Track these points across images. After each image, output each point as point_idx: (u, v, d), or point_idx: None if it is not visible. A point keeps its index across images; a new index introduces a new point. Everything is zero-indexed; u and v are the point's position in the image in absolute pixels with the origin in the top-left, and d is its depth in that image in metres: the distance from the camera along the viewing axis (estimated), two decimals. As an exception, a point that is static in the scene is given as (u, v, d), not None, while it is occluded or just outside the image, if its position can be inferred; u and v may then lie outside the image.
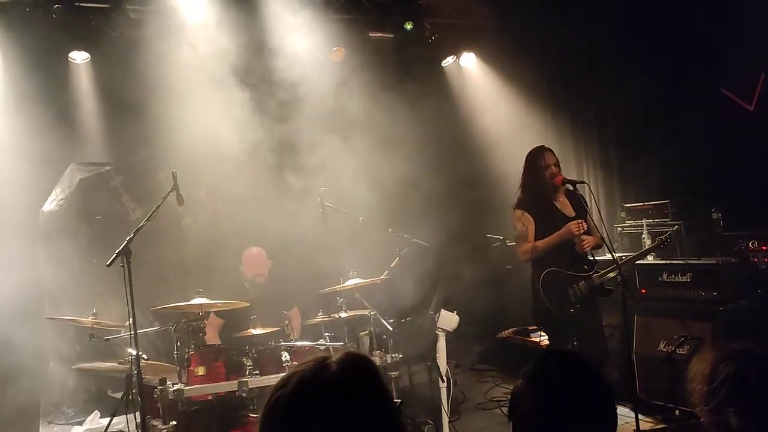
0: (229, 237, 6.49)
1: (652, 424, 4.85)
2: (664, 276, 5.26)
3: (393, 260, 5.09)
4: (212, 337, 5.09)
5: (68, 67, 6.11)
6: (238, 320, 4.75)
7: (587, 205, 4.59)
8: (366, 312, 4.77)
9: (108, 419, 4.29)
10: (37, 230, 5.83)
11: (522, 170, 4.67)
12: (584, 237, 4.36)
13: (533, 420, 1.49)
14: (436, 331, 5.01)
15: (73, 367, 4.92)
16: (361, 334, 5.25)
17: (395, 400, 1.27)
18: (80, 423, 5.17)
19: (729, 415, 1.67)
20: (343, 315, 4.68)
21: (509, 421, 1.58)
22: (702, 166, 5.63)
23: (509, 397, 1.62)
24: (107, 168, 6.23)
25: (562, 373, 1.50)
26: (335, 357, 1.24)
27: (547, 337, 5.05)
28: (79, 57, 6.06)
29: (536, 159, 4.56)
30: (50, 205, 5.92)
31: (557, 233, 4.38)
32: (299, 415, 1.16)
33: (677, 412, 4.86)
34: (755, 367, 1.68)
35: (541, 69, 7.27)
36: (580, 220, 4.39)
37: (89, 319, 4.26)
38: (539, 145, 4.68)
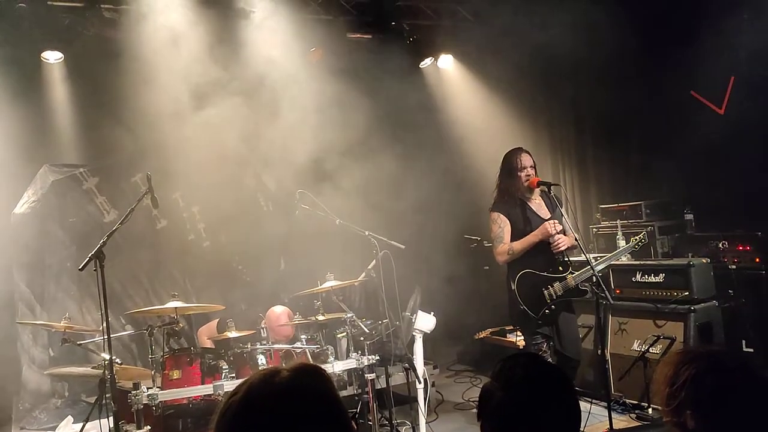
0: (204, 239, 6.45)
1: (626, 423, 4.91)
2: (638, 276, 5.34)
3: (370, 262, 5.09)
4: (207, 342, 5.07)
5: (41, 66, 6.02)
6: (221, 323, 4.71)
7: (561, 206, 4.63)
8: (343, 314, 4.77)
9: (81, 424, 4.23)
10: (9, 233, 5.73)
11: (498, 172, 4.70)
12: (559, 236, 4.40)
13: (502, 412, 1.59)
14: (413, 333, 5.04)
15: (45, 372, 4.85)
16: (338, 336, 5.25)
17: (349, 411, 1.28)
18: (53, 429, 5.08)
19: (686, 417, 1.70)
20: (320, 317, 4.67)
21: (478, 419, 1.66)
22: (675, 168, 5.72)
23: (480, 395, 1.70)
24: (81, 170, 6.15)
25: (525, 370, 1.63)
26: (287, 366, 1.25)
27: (523, 337, 5.08)
28: (52, 57, 5.97)
29: (512, 160, 4.59)
30: (21, 207, 5.83)
31: (533, 233, 4.42)
32: (248, 424, 1.16)
33: (650, 410, 4.95)
34: (715, 370, 1.71)
35: (518, 71, 7.31)
36: (554, 221, 4.44)
37: (62, 324, 4.21)
38: (516, 146, 4.72)
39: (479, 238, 7.45)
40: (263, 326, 4.44)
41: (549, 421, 1.56)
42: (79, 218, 6.04)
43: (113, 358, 3.74)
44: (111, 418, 3.68)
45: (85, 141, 6.20)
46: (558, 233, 4.40)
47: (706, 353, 1.77)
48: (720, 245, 5.25)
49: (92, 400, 4.49)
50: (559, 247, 4.43)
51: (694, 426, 1.69)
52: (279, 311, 5.08)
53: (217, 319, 5.13)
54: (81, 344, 4.32)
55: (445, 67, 7.71)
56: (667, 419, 1.78)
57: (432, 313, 5.10)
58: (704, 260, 5.12)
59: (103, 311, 3.61)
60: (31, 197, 5.86)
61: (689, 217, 5.65)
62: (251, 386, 1.21)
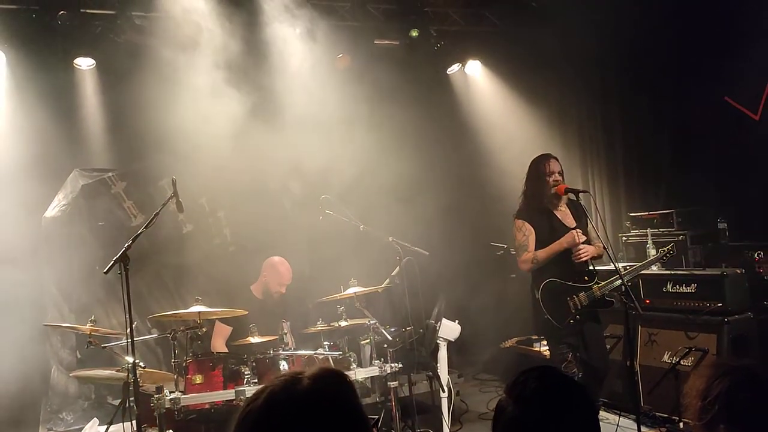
0: (230, 244, 6.48)
1: (657, 436, 4.79)
2: (669, 286, 5.21)
3: (394, 269, 5.06)
4: (220, 345, 5.06)
5: (74, 73, 6.14)
6: (244, 327, 4.70)
7: (588, 216, 4.54)
8: (366, 321, 4.74)
9: (105, 427, 4.27)
10: (40, 236, 5.83)
11: (525, 178, 4.63)
12: (582, 247, 4.31)
13: (514, 427, 1.54)
14: (438, 341, 4.99)
15: (72, 374, 4.91)
16: (361, 342, 5.23)
17: (371, 417, 1.24)
18: (79, 430, 5.15)
19: (723, 431, 1.65)
20: (342, 324, 4.64)
21: None
22: (708, 176, 5.58)
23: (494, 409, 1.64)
24: (110, 174, 6.23)
25: (538, 382, 1.56)
26: (308, 372, 1.22)
27: (547, 346, 5.00)
28: (84, 63, 6.09)
29: (539, 166, 4.51)
30: (53, 211, 5.93)
31: (558, 241, 4.34)
32: (269, 431, 1.14)
33: (681, 424, 4.81)
34: (749, 384, 1.65)
35: (547, 77, 7.23)
36: (579, 231, 4.35)
37: (87, 326, 4.25)
38: (544, 152, 4.64)
39: (506, 246, 7.36)
40: (285, 332, 4.43)
41: None
42: (107, 222, 6.12)
43: (137, 361, 3.76)
44: (134, 422, 3.70)
45: (114, 146, 6.28)
46: (582, 243, 4.32)
47: (739, 367, 1.70)
48: (755, 255, 5.08)
49: (118, 402, 4.52)
50: (581, 258, 4.34)
51: None
52: (280, 259, 5.23)
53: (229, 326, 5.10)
54: (105, 347, 4.35)
55: (473, 74, 7.66)
56: None
57: (456, 321, 5.04)
58: (738, 271, 4.97)
59: (127, 314, 3.64)
60: (62, 201, 5.96)
61: (723, 226, 5.49)
62: (272, 392, 1.19)
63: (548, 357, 5.24)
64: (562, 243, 4.32)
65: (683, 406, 1.79)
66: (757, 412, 1.61)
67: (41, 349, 5.68)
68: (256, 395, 1.20)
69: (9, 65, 5.81)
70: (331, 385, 1.21)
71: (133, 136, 6.08)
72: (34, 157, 5.56)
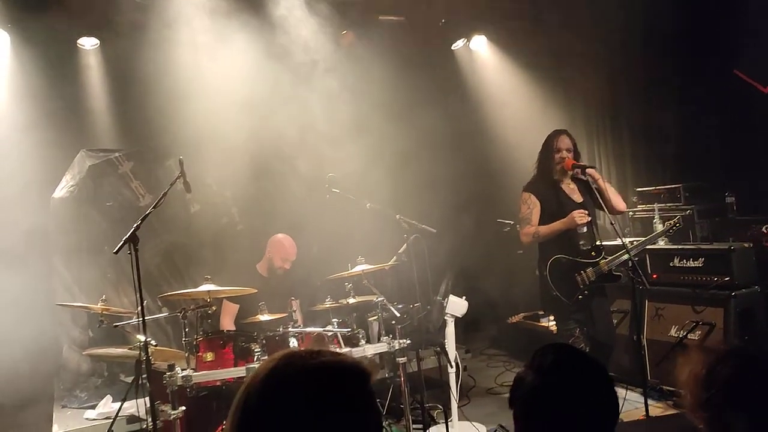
0: (238, 223, 6.50)
1: (663, 410, 4.83)
2: (676, 261, 5.21)
3: (401, 246, 5.07)
4: (228, 323, 5.09)
5: (78, 53, 6.12)
6: (253, 306, 4.74)
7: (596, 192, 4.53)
8: (374, 298, 4.77)
9: (119, 403, 4.34)
10: (48, 217, 5.86)
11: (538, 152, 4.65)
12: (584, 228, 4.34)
13: (533, 397, 1.56)
14: (445, 317, 5.01)
15: (84, 352, 4.97)
16: (369, 319, 5.26)
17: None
18: (93, 407, 5.23)
19: (731, 419, 1.56)
20: (351, 301, 4.67)
21: (510, 406, 1.63)
22: (716, 150, 5.54)
23: (512, 383, 1.67)
24: (117, 154, 6.24)
25: (557, 355, 1.61)
26: (308, 350, 1.23)
27: (555, 322, 5.02)
28: (88, 43, 6.07)
29: (550, 141, 4.55)
30: (61, 191, 5.95)
31: (561, 221, 4.35)
32: (272, 407, 1.15)
33: (688, 397, 4.84)
34: (752, 368, 1.60)
35: (552, 52, 7.17)
36: (584, 211, 4.35)
37: (99, 306, 4.29)
38: (558, 128, 4.65)
39: (512, 222, 7.37)
40: (293, 309, 4.45)
41: (583, 407, 1.53)
42: (116, 202, 6.14)
43: (149, 339, 3.80)
44: (147, 399, 3.75)
45: (121, 126, 6.30)
46: (585, 223, 4.32)
47: (738, 350, 1.66)
48: (763, 229, 5.07)
49: (130, 380, 4.59)
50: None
51: (743, 428, 1.55)
52: (284, 236, 5.27)
53: (236, 305, 5.14)
54: (117, 326, 4.39)
55: (478, 49, 7.59)
56: (704, 425, 1.62)
57: (464, 297, 5.06)
58: (746, 245, 4.96)
59: (138, 293, 3.67)
60: (69, 182, 5.98)
61: (730, 200, 5.47)
62: (285, 358, 1.21)
63: (555, 332, 5.27)
64: (565, 223, 4.34)
65: (682, 396, 1.71)
66: (762, 396, 1.55)
67: (52, 329, 5.75)
68: (261, 369, 1.21)
69: (13, 46, 5.79)
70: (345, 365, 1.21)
71: (138, 116, 6.08)
72: (40, 138, 5.56)
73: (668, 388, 4.97)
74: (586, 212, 4.35)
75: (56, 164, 5.93)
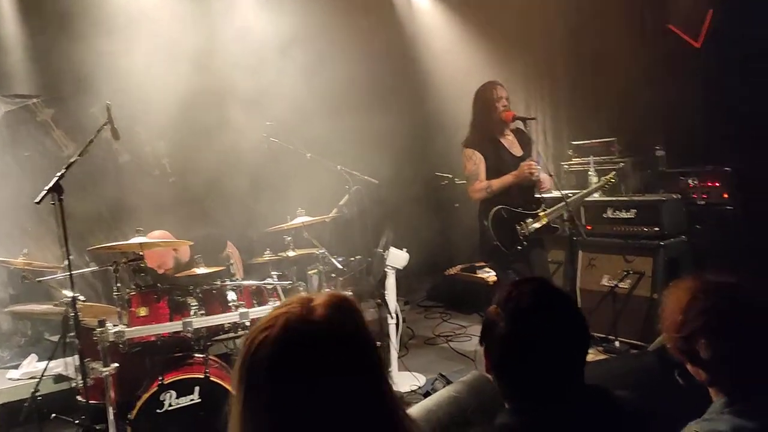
0: (170, 175, 6.24)
1: (593, 356, 5.01)
2: (609, 212, 5.35)
3: (342, 198, 4.99)
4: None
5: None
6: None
7: (534, 143, 4.55)
8: (315, 251, 4.69)
9: (45, 363, 4.13)
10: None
11: (471, 107, 4.57)
12: (542, 177, 4.35)
13: (508, 342, 1.53)
14: (386, 269, 5.00)
15: (6, 310, 4.70)
16: (309, 272, 5.19)
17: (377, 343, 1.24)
18: (16, 367, 4.97)
19: (700, 346, 1.66)
20: (291, 254, 4.58)
21: (481, 344, 1.62)
22: (650, 103, 5.65)
23: (483, 321, 1.64)
24: (35, 100, 5.82)
25: (533, 298, 1.56)
26: (320, 300, 1.21)
27: (494, 273, 5.09)
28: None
29: (486, 93, 4.46)
30: (-28, 140, 5.53)
31: (512, 174, 4.34)
32: (286, 357, 1.14)
33: (617, 343, 5.05)
34: (733, 300, 1.67)
35: (491, 3, 7.10)
36: (531, 162, 4.35)
37: (20, 260, 4.03)
38: (489, 80, 4.58)
39: (450, 176, 7.40)
40: (231, 262, 4.32)
41: (557, 347, 1.51)
42: (36, 152, 5.76)
43: (77, 295, 3.61)
44: (76, 356, 3.58)
45: (38, 71, 5.83)
46: (536, 175, 4.33)
47: (724, 283, 1.71)
48: (690, 182, 5.25)
49: (56, 338, 4.37)
50: (543, 189, 4.39)
51: (709, 356, 1.65)
52: (157, 233, 4.57)
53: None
54: (41, 281, 4.15)
55: (418, 2, 7.46)
56: (674, 346, 1.73)
57: (405, 249, 5.06)
58: (675, 196, 5.14)
59: (64, 247, 3.46)
60: (-19, 129, 5.56)
61: (660, 153, 5.63)
62: (288, 320, 1.17)
63: (492, 283, 5.37)
64: (516, 175, 4.33)
65: (660, 318, 1.79)
66: (739, 328, 1.63)
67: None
68: (271, 322, 1.17)
69: None
70: (346, 314, 1.21)
71: (59, 57, 5.64)
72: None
73: (599, 335, 5.15)
74: (532, 162, 4.37)
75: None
